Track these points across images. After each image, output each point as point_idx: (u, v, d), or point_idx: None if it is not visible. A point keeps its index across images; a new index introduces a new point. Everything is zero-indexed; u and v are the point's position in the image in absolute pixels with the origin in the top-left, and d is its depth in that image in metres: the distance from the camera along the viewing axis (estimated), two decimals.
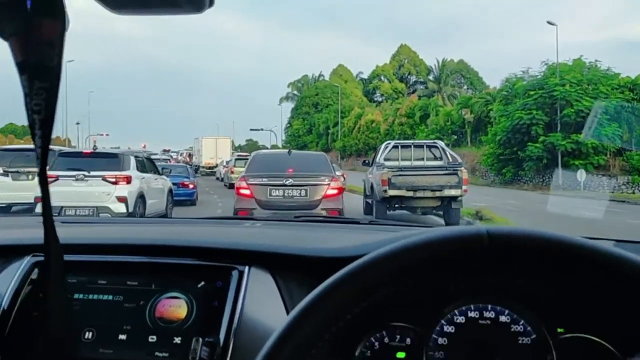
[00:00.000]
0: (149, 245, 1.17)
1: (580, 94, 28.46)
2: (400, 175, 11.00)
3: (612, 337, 0.80)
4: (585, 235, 0.91)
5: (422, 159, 12.60)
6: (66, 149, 12.88)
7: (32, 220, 1.66)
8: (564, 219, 11.46)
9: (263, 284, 1.06)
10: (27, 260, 1.12)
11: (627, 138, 25.82)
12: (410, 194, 10.94)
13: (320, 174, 9.02)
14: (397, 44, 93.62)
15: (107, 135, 67.85)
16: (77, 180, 9.59)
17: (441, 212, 11.64)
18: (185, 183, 16.57)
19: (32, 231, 1.31)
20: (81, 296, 1.06)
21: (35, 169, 0.58)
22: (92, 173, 9.82)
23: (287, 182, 8.67)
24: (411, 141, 14.28)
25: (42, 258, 0.80)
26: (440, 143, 13.31)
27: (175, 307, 1.03)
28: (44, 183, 0.58)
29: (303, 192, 8.71)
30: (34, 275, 1.09)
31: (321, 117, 68.42)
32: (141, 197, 10.58)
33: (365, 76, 78.28)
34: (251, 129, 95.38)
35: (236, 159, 26.71)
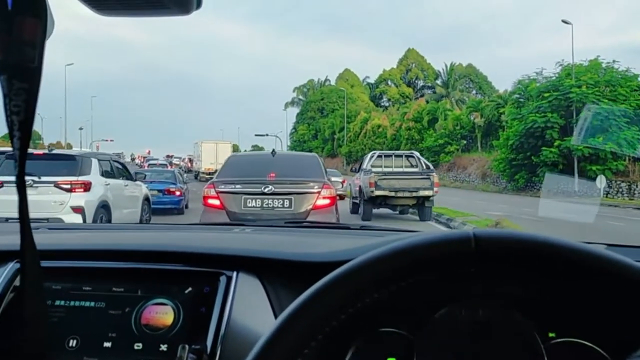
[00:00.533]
0: (135, 251, 1.15)
1: (598, 96, 27.31)
2: (384, 178, 13.19)
3: (605, 342, 0.78)
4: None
5: (402, 166, 15.24)
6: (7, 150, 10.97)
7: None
8: (587, 227, 10.86)
9: (251, 290, 1.05)
10: (10, 267, 1.08)
11: None
12: (392, 194, 13.16)
13: (309, 180, 7.03)
14: (404, 48, 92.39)
15: (111, 140, 67.00)
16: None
17: (416, 210, 14.01)
18: (172, 190, 15.00)
19: (17, 237, 1.03)
20: (65, 303, 1.03)
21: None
22: (43, 178, 8.10)
23: (266, 190, 6.75)
24: (392, 152, 17.81)
25: None
26: (416, 153, 16.00)
27: (162, 314, 1.00)
28: (21, 186, 0.56)
29: (287, 203, 6.77)
30: (17, 282, 1.04)
31: (327, 122, 67.36)
32: (104, 207, 8.92)
33: (372, 81, 76.92)
34: (256, 135, 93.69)
35: None
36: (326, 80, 79.84)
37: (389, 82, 74.30)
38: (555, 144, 27.69)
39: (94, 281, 1.05)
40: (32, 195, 7.18)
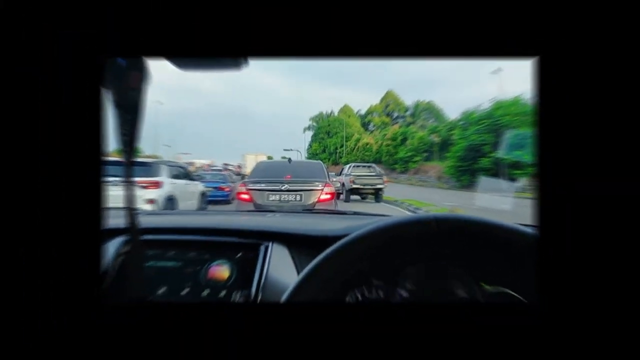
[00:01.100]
0: (201, 228, 1.16)
1: (519, 123, 26.72)
2: (358, 178, 15.27)
3: (519, 288, 0.77)
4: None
5: (366, 172, 16.77)
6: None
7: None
8: (507, 212, 10.12)
9: (281, 255, 1.06)
10: (119, 240, 1.10)
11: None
12: (362, 187, 15.15)
13: (315, 180, 6.64)
14: (384, 90, 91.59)
15: (189, 154, 67.32)
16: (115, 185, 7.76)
17: (374, 196, 15.40)
18: (223, 187, 14.60)
19: (122, 220, 1.05)
20: (155, 264, 1.06)
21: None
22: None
23: (283, 188, 6.37)
24: (360, 163, 19.67)
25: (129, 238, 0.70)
26: (374, 165, 17.61)
27: (222, 271, 1.02)
28: (129, 187, 0.58)
29: (298, 197, 6.42)
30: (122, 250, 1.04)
31: (332, 141, 66.93)
32: (170, 200, 8.59)
33: (362, 113, 75.95)
34: (284, 149, 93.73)
35: None
36: (331, 112, 79.01)
37: (374, 114, 73.37)
38: (489, 155, 27.24)
39: (175, 249, 1.07)
40: (122, 191, 7.00)
